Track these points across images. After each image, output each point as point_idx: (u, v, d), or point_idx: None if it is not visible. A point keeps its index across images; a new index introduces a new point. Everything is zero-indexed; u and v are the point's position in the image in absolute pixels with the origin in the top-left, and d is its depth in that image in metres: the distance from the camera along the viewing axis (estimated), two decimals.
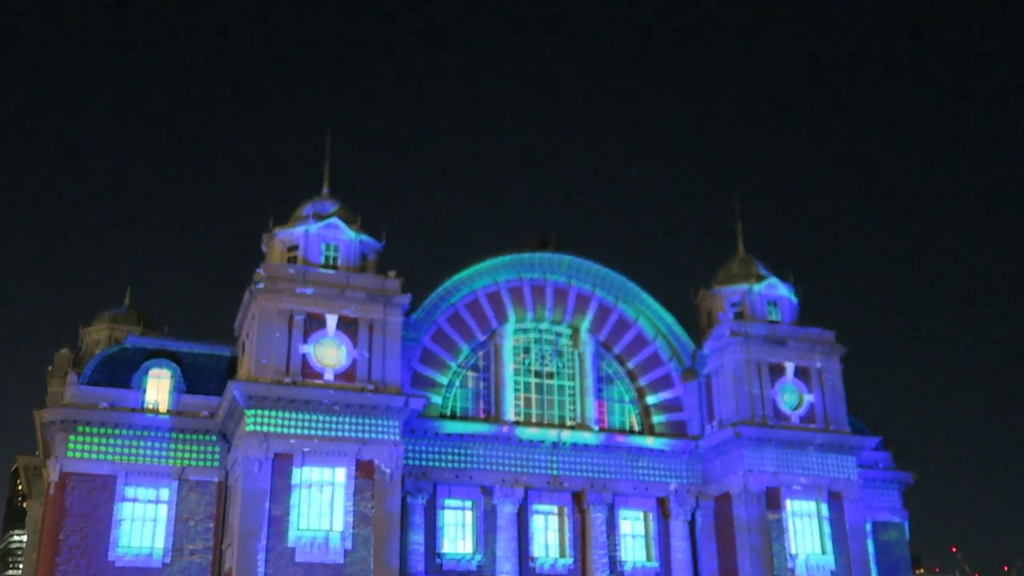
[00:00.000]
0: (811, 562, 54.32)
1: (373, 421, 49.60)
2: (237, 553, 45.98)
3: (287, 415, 48.48)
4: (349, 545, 47.33)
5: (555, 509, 55.77)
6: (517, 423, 55.70)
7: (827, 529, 55.30)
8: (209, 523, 50.20)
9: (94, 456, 49.45)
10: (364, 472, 48.71)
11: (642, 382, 59.58)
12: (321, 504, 48.00)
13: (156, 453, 50.28)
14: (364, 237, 54.50)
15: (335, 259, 53.36)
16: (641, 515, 57.15)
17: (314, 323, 50.64)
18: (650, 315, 59.98)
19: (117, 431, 49.94)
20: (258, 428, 47.77)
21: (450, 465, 54.06)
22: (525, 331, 58.83)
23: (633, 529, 56.93)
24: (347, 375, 50.23)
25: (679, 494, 57.09)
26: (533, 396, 57.68)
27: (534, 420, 56.79)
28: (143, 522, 49.55)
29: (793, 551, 54.22)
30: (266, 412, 48.10)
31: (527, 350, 58.59)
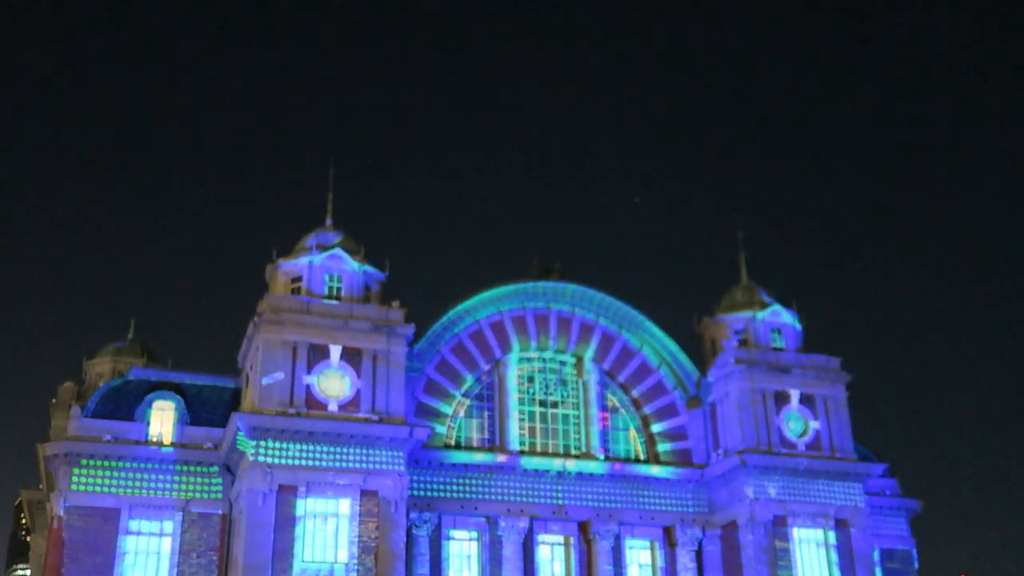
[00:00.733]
0: None
1: (377, 452, 49.47)
2: None
3: (291, 446, 48.40)
4: None
5: (561, 539, 55.40)
6: (522, 452, 55.49)
7: (834, 557, 54.93)
8: (213, 555, 49.95)
9: (98, 489, 49.29)
10: (369, 503, 48.51)
11: (647, 410, 59.35)
12: (326, 536, 47.78)
13: (160, 486, 50.14)
14: (367, 268, 54.62)
15: (339, 290, 53.43)
16: (648, 544, 56.69)
17: (318, 354, 50.65)
18: (654, 343, 59.85)
19: (121, 464, 49.86)
20: (262, 459, 47.69)
21: (455, 495, 53.81)
22: (529, 360, 58.72)
23: (639, 559, 56.48)
24: (351, 406, 50.17)
25: (685, 523, 56.71)
26: (538, 425, 57.43)
27: (539, 449, 56.51)
28: (147, 555, 49.32)
29: None
30: (270, 443, 48.03)
31: (531, 379, 58.43)
